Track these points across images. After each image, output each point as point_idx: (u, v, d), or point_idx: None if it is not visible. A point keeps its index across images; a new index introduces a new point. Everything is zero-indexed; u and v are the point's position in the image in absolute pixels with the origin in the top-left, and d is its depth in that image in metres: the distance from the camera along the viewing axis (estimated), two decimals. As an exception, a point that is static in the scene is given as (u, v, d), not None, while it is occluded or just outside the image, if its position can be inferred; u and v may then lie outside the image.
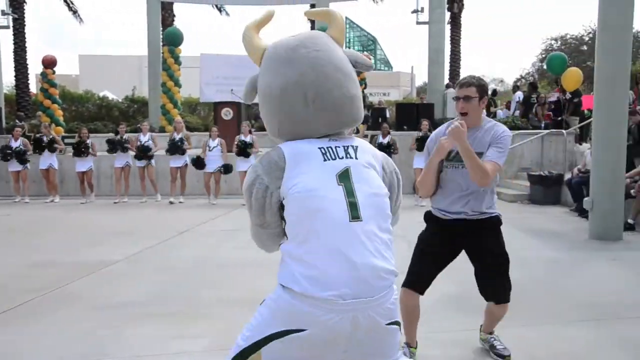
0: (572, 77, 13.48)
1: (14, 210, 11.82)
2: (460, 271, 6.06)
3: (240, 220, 9.98)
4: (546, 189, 11.51)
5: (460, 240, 3.54)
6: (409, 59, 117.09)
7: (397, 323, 2.15)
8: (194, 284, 5.70)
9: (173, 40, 16.51)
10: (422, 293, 3.59)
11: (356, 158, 2.14)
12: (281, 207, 2.11)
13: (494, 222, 3.54)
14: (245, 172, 11.86)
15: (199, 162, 12.22)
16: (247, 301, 5.03)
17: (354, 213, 2.03)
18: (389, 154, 11.06)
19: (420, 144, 11.87)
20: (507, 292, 3.55)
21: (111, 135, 14.49)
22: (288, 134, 2.19)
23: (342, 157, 2.12)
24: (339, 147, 2.15)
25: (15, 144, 13.00)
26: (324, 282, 1.96)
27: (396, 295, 2.13)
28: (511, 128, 14.40)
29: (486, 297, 3.63)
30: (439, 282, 5.67)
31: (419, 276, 3.56)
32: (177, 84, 16.60)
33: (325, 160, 2.10)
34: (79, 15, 25.05)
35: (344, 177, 2.08)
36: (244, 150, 11.99)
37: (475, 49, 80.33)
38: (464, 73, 20.83)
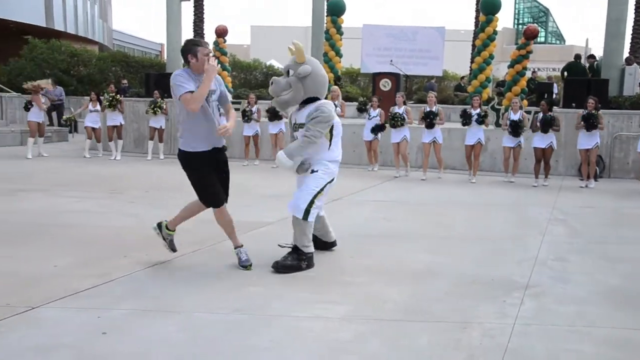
0: None
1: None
2: (627, 263, 5.57)
3: (395, 192, 9.94)
4: None
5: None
6: (584, 32, 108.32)
7: None
8: (342, 252, 5.80)
9: (336, 10, 16.67)
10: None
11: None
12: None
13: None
14: (399, 143, 11.79)
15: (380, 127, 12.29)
16: (391, 273, 5.02)
17: None
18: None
19: (587, 123, 10.96)
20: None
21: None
22: (323, 95, 5.31)
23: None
24: None
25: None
26: (338, 156, 5.35)
27: None
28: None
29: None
30: (601, 272, 5.26)
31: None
32: (339, 54, 16.77)
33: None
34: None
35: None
36: (399, 121, 11.87)
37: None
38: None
